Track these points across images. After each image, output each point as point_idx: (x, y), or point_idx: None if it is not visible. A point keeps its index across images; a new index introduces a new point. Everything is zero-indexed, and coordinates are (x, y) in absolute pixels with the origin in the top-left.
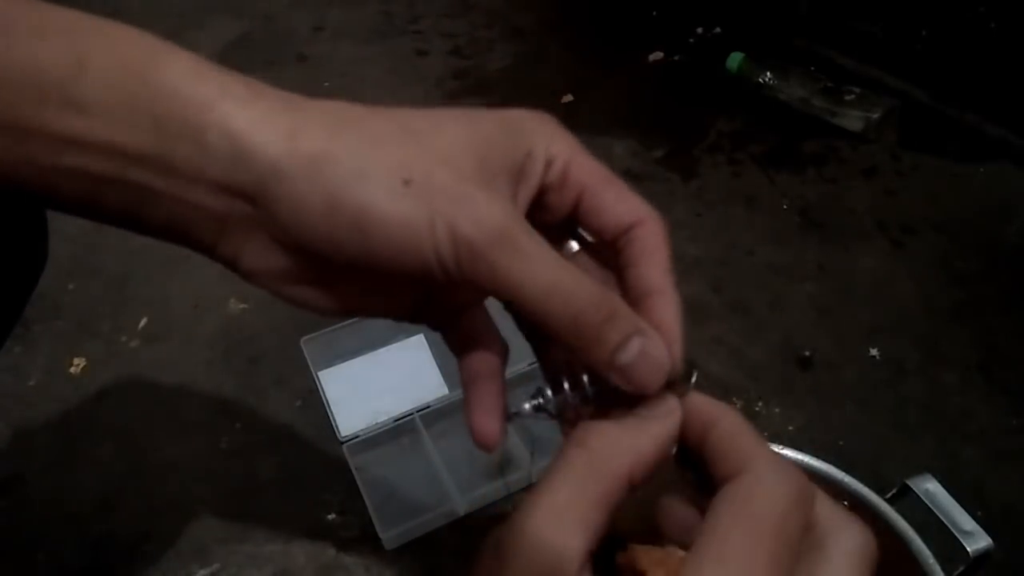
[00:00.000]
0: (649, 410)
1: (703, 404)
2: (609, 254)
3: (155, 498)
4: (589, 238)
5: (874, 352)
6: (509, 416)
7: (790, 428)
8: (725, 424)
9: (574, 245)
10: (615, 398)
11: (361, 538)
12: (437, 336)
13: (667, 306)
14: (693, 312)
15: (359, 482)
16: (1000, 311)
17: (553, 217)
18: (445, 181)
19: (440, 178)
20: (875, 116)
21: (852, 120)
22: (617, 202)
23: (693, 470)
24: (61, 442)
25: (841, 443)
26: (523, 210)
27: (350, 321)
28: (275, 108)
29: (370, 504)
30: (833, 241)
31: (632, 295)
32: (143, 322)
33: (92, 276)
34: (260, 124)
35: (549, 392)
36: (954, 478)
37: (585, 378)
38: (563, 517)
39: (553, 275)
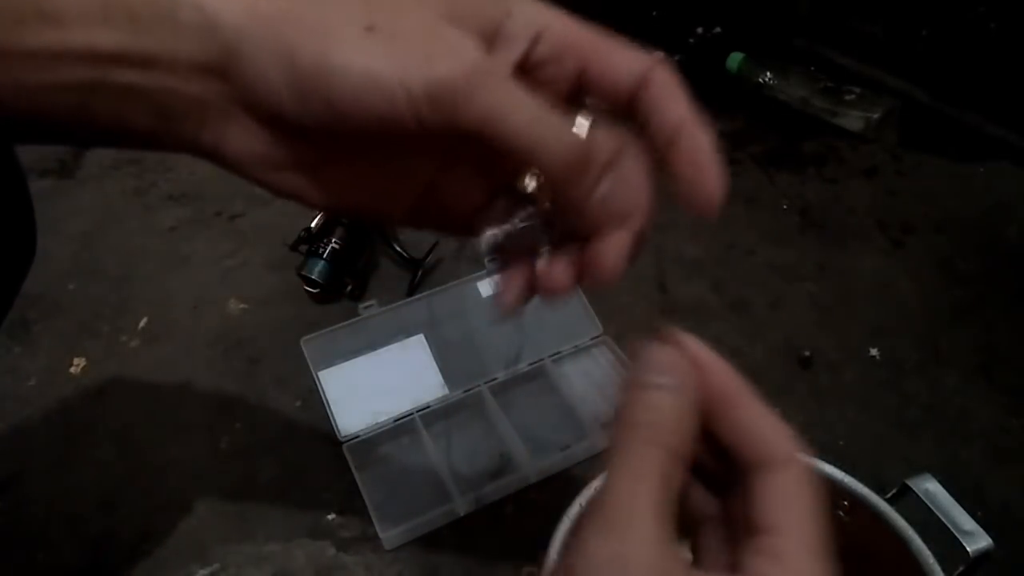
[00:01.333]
0: (667, 378)
1: (719, 372)
2: (628, 115)
3: (155, 498)
4: (596, 107)
5: (874, 352)
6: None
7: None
8: (750, 405)
9: (583, 122)
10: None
11: (361, 538)
12: (437, 336)
13: (699, 137)
14: (693, 312)
15: (359, 482)
16: (1000, 311)
17: (555, 92)
18: (411, 24)
19: (407, 21)
20: (875, 116)
21: (852, 120)
22: (622, 58)
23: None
24: (61, 442)
25: (841, 443)
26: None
27: (350, 321)
28: None
29: (370, 504)
30: (833, 241)
31: (661, 139)
32: (143, 322)
33: (92, 276)
34: None
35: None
36: (954, 478)
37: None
38: (663, 515)
39: (535, 111)
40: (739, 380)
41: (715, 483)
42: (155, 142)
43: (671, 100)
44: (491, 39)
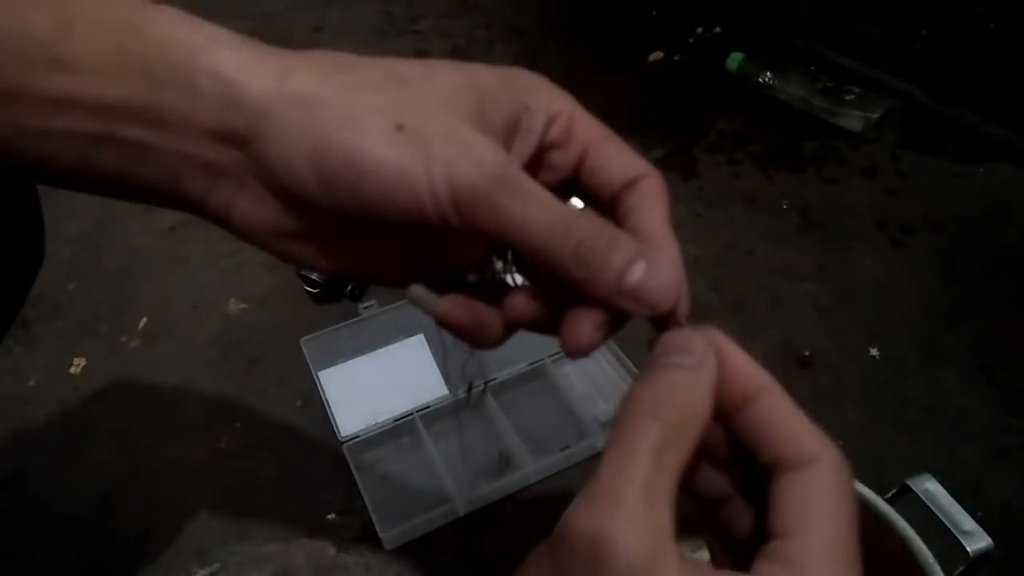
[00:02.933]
0: (685, 357)
1: (744, 364)
2: (610, 211)
3: (155, 498)
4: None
5: (874, 352)
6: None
7: None
8: (777, 397)
9: (577, 202)
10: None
11: (361, 538)
12: (437, 336)
13: (668, 247)
14: (693, 312)
15: (359, 482)
16: (1000, 311)
17: (556, 176)
18: (439, 125)
19: (434, 122)
20: (875, 116)
21: (852, 120)
22: (620, 158)
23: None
24: (61, 442)
25: (841, 443)
26: (521, 164)
27: (350, 321)
28: (264, 53)
29: (370, 504)
30: (833, 241)
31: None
32: (143, 322)
33: (92, 276)
34: (250, 67)
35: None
36: (954, 478)
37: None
38: (653, 493)
39: (554, 210)
40: (766, 375)
41: (744, 485)
42: (159, 199)
43: (651, 209)
44: (511, 133)
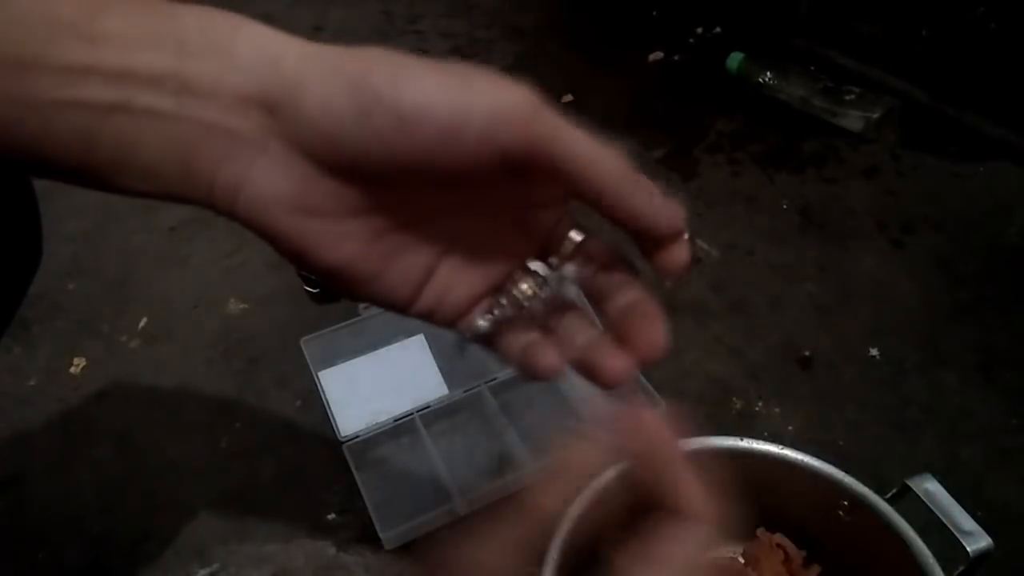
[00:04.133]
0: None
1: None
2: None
3: (155, 498)
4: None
5: (874, 352)
6: (462, 341)
7: (790, 428)
8: (679, 469)
9: (576, 235)
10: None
11: (361, 538)
12: (437, 336)
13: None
14: (693, 312)
15: (359, 482)
16: (1000, 311)
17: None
18: (473, 71)
19: (467, 69)
20: (875, 116)
21: (852, 120)
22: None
23: None
24: (61, 442)
25: (841, 443)
26: None
27: (350, 321)
28: (298, 37)
29: (370, 504)
30: (833, 241)
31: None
32: (143, 322)
33: (92, 276)
34: (287, 39)
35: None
36: (954, 478)
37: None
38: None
39: (590, 134)
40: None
41: None
42: (158, 184)
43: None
44: None
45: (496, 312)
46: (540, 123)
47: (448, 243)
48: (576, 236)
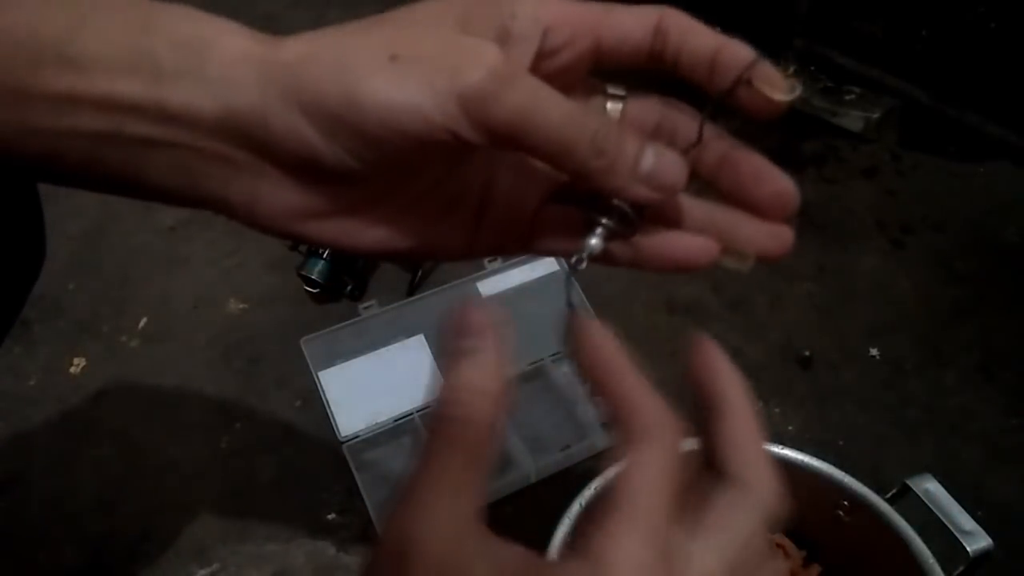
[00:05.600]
0: (465, 340)
1: (597, 340)
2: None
3: (155, 498)
4: (620, 92)
5: (874, 352)
6: (574, 264)
7: (790, 428)
8: (623, 377)
9: (614, 107)
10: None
11: (361, 538)
12: (437, 336)
13: (741, 51)
14: (693, 312)
15: (359, 482)
16: (1000, 311)
17: (573, 76)
18: (432, 44)
19: (427, 44)
20: (875, 116)
21: (852, 120)
22: (630, 18)
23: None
24: (61, 442)
25: (841, 443)
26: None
27: (350, 321)
28: (261, 38)
29: (370, 504)
30: (833, 241)
31: (700, 72)
32: (143, 322)
33: (92, 276)
34: (249, 52)
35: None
36: (954, 478)
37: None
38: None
39: (565, 103)
40: (615, 348)
41: None
42: (177, 197)
43: (694, 33)
44: (503, 42)
45: (602, 226)
46: (500, 110)
47: (480, 187)
48: (618, 91)
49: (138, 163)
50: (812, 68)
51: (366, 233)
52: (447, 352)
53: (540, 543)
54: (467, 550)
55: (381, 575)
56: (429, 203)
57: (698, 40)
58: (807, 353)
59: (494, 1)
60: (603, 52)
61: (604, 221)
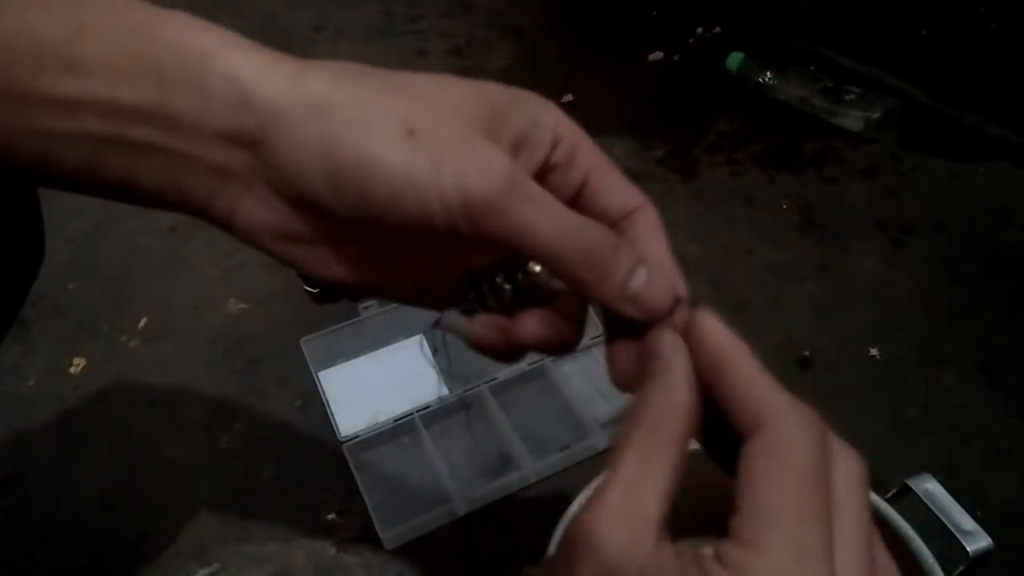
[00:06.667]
0: (655, 360)
1: (714, 335)
2: None
3: (155, 498)
4: None
5: (874, 352)
6: (436, 323)
7: None
8: (738, 367)
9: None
10: (533, 299)
11: (361, 538)
12: (437, 336)
13: (672, 272)
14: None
15: (359, 482)
16: (1000, 311)
17: (557, 197)
18: (450, 133)
19: (445, 130)
20: (875, 116)
21: (852, 120)
22: (620, 188)
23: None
24: (61, 442)
25: None
26: (529, 175)
27: (350, 321)
28: (277, 58)
29: (370, 504)
30: (833, 241)
31: None
32: (143, 322)
33: (92, 276)
34: (263, 70)
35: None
36: (954, 478)
37: (505, 284)
38: (635, 512)
39: (563, 216)
40: (733, 342)
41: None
42: (163, 202)
43: (652, 239)
44: (519, 148)
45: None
46: (502, 218)
47: (440, 255)
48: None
49: (133, 168)
50: (812, 68)
51: (331, 266)
52: (640, 370)
53: (540, 543)
54: (638, 551)
55: (562, 566)
56: (396, 253)
57: (645, 246)
58: (807, 353)
59: (522, 105)
60: (581, 195)
61: (471, 297)
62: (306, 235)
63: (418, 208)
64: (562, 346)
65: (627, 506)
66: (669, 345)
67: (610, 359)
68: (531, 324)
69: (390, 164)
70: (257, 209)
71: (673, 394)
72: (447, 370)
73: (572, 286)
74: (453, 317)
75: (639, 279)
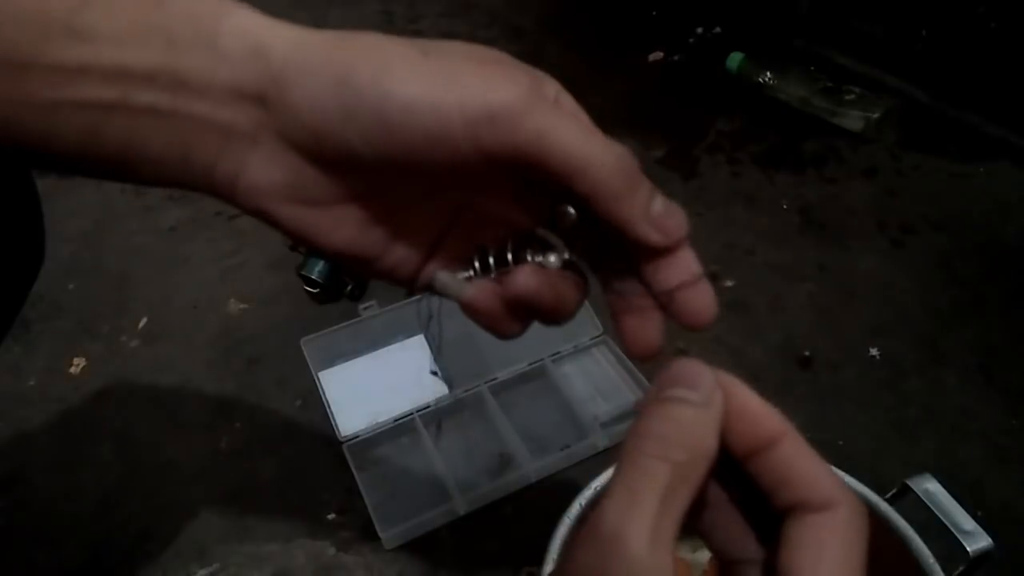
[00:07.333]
0: (692, 392)
1: (760, 408)
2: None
3: (155, 498)
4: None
5: (874, 352)
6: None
7: None
8: (798, 442)
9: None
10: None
11: (361, 538)
12: (437, 336)
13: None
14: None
15: (359, 482)
16: (1000, 311)
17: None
18: (466, 58)
19: (460, 55)
20: (875, 116)
21: (852, 120)
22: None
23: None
24: (61, 442)
25: (841, 443)
26: None
27: (350, 321)
28: (284, 22)
29: (370, 504)
30: (833, 241)
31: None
32: (143, 322)
33: (92, 276)
34: (274, 26)
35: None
36: (954, 478)
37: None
38: (658, 537)
39: (590, 127)
40: (783, 419)
41: (760, 528)
42: (164, 174)
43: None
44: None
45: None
46: (529, 124)
47: (447, 221)
48: (572, 210)
49: (136, 137)
50: (812, 68)
51: (334, 233)
52: (665, 397)
53: (540, 543)
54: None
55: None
56: (400, 221)
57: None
58: (807, 353)
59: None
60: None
61: (475, 268)
62: (313, 193)
63: (438, 124)
64: (558, 305)
65: (652, 563)
66: (709, 383)
67: (622, 334)
68: (525, 275)
69: (407, 80)
70: (264, 168)
71: (708, 440)
72: (446, 373)
73: (597, 204)
74: (448, 278)
75: (659, 203)
